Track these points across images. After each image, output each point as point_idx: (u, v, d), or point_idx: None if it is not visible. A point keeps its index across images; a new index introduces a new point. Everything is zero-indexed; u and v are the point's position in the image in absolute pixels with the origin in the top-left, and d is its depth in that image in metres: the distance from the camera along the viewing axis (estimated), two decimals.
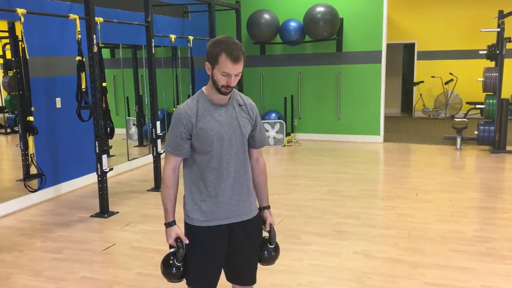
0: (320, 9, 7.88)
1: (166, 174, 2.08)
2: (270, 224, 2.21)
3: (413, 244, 3.83)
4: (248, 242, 2.12)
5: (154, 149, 5.59)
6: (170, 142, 2.05)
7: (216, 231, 2.05)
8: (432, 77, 11.35)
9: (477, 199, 5.15)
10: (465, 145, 7.88)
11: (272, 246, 2.22)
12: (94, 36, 4.56)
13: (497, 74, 7.21)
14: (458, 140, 7.58)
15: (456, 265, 3.43)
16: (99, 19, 4.77)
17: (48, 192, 5.25)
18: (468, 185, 5.62)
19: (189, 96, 2.04)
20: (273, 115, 8.52)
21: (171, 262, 2.08)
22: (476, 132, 7.49)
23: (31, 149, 4.59)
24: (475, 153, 7.36)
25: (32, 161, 4.63)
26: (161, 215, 4.72)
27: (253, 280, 2.22)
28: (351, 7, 8.22)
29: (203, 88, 2.06)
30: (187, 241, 2.07)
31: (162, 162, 5.82)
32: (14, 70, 4.81)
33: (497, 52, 7.27)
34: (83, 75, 4.66)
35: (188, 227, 2.10)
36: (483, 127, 7.35)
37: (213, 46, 1.92)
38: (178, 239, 2.06)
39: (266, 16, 8.23)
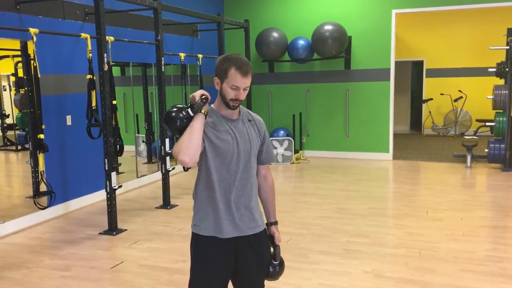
0: (328, 27, 7.93)
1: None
2: (275, 240, 2.22)
3: (424, 263, 3.78)
4: (255, 259, 2.11)
5: (163, 166, 5.61)
6: None
7: (221, 245, 2.05)
8: (441, 94, 11.33)
9: (488, 217, 5.09)
10: (475, 163, 7.81)
11: (277, 262, 2.23)
12: (105, 55, 4.62)
13: (506, 92, 7.18)
14: (468, 157, 7.53)
15: (468, 285, 3.37)
16: (110, 38, 4.83)
17: (57, 209, 5.26)
18: (479, 204, 5.55)
19: None
20: (282, 132, 8.53)
21: (184, 112, 1.95)
22: (486, 150, 7.43)
23: (41, 167, 4.62)
24: (486, 171, 7.29)
25: (42, 178, 4.65)
26: (169, 233, 4.73)
27: None
28: (359, 25, 8.26)
29: (212, 105, 2.11)
30: (209, 97, 1.98)
31: (171, 179, 5.85)
32: (26, 88, 4.87)
33: (506, 69, 7.25)
34: (93, 93, 4.70)
35: (195, 237, 2.11)
36: (493, 145, 7.30)
37: (222, 61, 1.99)
38: (203, 95, 1.97)
39: (275, 34, 8.29)
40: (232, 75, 1.96)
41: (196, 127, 1.94)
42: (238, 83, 1.96)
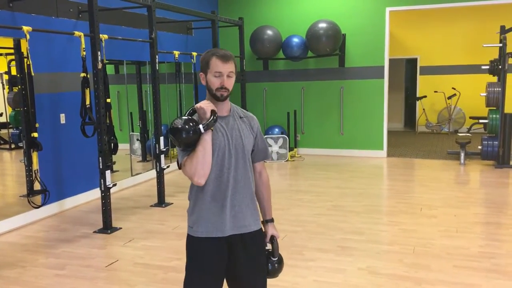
0: (322, 25, 7.94)
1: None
2: (273, 237, 2.21)
3: (418, 260, 3.80)
4: (247, 258, 2.10)
5: (158, 164, 5.60)
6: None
7: (215, 244, 2.05)
8: (435, 91, 11.37)
9: (482, 214, 5.12)
10: (469, 160, 7.85)
11: (275, 259, 2.21)
12: (99, 53, 4.60)
13: (499, 89, 7.22)
14: (462, 155, 7.56)
15: (462, 282, 3.40)
16: (103, 36, 4.81)
17: (51, 208, 5.25)
18: (473, 200, 5.59)
19: None
20: (276, 130, 8.54)
21: (191, 123, 1.93)
22: (479, 147, 7.47)
23: (35, 165, 4.60)
24: (479, 168, 7.34)
25: (36, 177, 4.64)
26: (164, 231, 4.72)
27: None
28: (354, 22, 8.28)
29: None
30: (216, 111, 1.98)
31: (166, 177, 5.84)
32: (19, 86, 4.85)
33: (500, 67, 7.29)
34: (87, 91, 4.69)
35: (190, 239, 2.12)
36: (486, 142, 7.34)
37: (203, 56, 2.07)
38: (214, 111, 1.98)
39: (269, 32, 8.29)
40: (213, 63, 2.00)
41: (209, 146, 1.96)
42: (220, 69, 1.99)
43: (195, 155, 1.95)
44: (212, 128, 1.98)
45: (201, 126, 1.94)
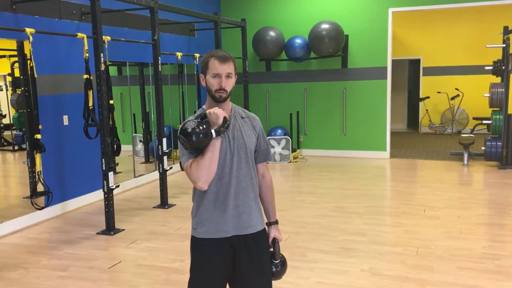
0: (325, 26, 7.93)
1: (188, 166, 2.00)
2: (275, 239, 2.21)
3: (421, 261, 3.79)
4: (249, 259, 2.08)
5: (161, 165, 5.60)
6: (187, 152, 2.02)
7: (218, 245, 2.05)
8: (438, 92, 11.35)
9: (485, 215, 5.10)
10: (472, 160, 7.83)
11: (277, 261, 2.21)
12: (102, 55, 4.61)
13: (503, 90, 7.19)
14: (465, 156, 7.54)
15: (465, 283, 3.39)
16: (106, 38, 4.82)
17: (54, 209, 5.25)
18: (476, 202, 5.57)
19: (195, 113, 2.08)
20: (279, 131, 8.53)
21: (202, 126, 1.92)
22: (483, 148, 7.45)
23: (38, 167, 4.61)
24: (483, 169, 7.31)
25: (39, 178, 4.65)
26: (166, 233, 4.72)
27: None
28: (356, 24, 8.27)
29: (203, 106, 2.13)
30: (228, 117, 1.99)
31: (168, 178, 5.84)
32: (22, 88, 4.86)
33: (503, 67, 7.27)
34: (90, 93, 4.70)
35: (193, 240, 2.12)
36: (490, 143, 7.31)
37: (203, 58, 2.08)
38: (226, 118, 1.99)
39: (272, 33, 8.29)
40: (211, 64, 2.01)
41: (217, 152, 1.96)
42: (218, 70, 2.00)
43: (203, 160, 1.94)
44: (222, 135, 1.98)
45: (213, 131, 1.94)
